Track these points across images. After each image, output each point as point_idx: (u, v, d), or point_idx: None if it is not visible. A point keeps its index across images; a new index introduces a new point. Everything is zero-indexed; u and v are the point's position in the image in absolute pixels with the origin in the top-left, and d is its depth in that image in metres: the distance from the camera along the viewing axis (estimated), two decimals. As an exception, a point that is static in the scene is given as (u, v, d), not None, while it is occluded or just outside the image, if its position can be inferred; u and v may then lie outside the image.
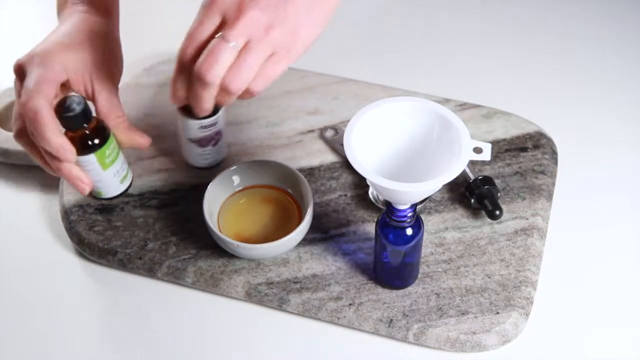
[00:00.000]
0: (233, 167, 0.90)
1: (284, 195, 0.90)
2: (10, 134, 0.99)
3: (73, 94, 0.85)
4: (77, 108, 0.83)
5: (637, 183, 0.96)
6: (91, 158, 0.86)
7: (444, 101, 1.01)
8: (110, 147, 0.87)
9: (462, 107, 1.00)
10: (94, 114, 0.85)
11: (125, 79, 1.06)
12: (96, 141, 0.85)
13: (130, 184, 0.93)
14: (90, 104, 0.85)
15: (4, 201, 0.97)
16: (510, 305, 0.83)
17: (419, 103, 0.78)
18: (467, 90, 1.04)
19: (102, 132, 0.86)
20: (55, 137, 0.79)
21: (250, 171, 0.90)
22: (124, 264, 0.89)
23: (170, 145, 0.97)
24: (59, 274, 0.90)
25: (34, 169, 0.99)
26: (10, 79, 1.07)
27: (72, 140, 0.84)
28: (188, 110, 0.87)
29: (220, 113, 0.89)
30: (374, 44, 1.13)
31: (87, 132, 0.85)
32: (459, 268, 0.86)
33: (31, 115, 0.79)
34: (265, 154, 0.96)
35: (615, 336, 0.84)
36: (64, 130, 0.84)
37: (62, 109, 0.82)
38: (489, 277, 0.85)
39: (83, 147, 0.85)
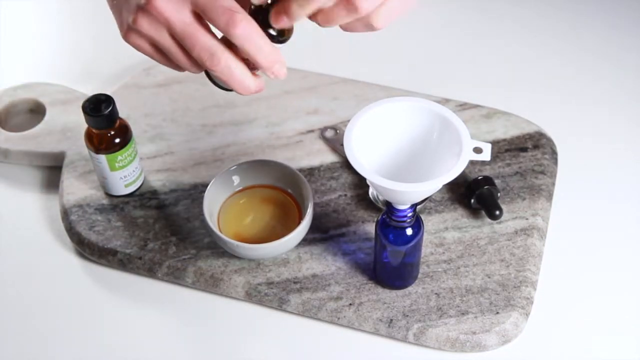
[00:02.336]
0: (233, 167, 0.90)
1: (284, 195, 0.90)
2: (11, 134, 0.99)
3: (101, 93, 0.87)
4: (107, 109, 0.85)
5: (637, 183, 0.96)
6: (102, 158, 0.88)
7: (444, 101, 1.01)
8: (124, 154, 0.88)
9: (462, 107, 1.00)
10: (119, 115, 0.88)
11: (125, 79, 1.07)
12: (117, 141, 0.88)
13: (137, 189, 0.93)
14: (118, 105, 0.85)
15: (4, 201, 0.97)
16: (510, 305, 0.83)
17: (419, 103, 0.78)
18: (467, 90, 1.04)
19: (124, 135, 0.88)
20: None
21: (250, 171, 0.90)
22: (124, 264, 0.89)
23: (170, 146, 0.97)
24: (59, 274, 0.90)
25: (34, 169, 0.99)
26: (10, 79, 1.07)
27: (95, 137, 0.88)
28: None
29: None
30: (374, 44, 1.13)
31: (111, 132, 0.87)
32: (459, 268, 0.86)
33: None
34: (265, 154, 0.96)
35: (615, 336, 0.84)
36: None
37: (91, 108, 0.85)
38: (489, 277, 0.85)
39: (103, 146, 0.87)
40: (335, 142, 0.97)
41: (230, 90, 0.72)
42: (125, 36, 0.71)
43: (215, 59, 0.68)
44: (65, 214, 0.92)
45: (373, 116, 0.77)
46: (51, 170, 0.98)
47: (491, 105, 1.01)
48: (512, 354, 0.82)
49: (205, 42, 0.68)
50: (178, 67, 0.72)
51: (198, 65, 0.70)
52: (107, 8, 0.75)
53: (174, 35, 0.69)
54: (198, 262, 0.87)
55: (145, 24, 0.68)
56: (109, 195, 0.93)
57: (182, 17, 0.68)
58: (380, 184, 0.72)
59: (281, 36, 0.70)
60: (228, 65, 0.69)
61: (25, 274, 0.90)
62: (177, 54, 0.70)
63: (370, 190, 0.92)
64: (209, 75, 0.73)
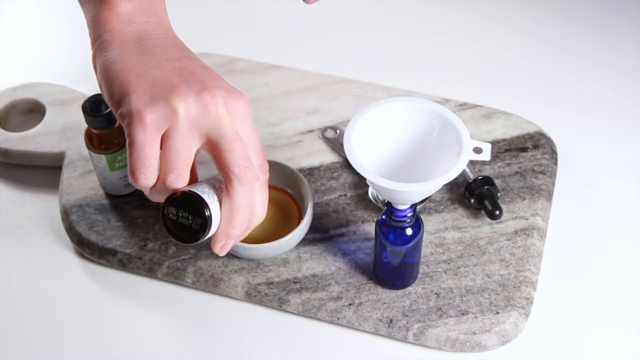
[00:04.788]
0: (233, 167, 0.90)
1: (284, 195, 0.90)
2: (11, 134, 0.99)
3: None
4: (107, 109, 0.85)
5: (637, 183, 0.96)
6: (102, 158, 0.88)
7: (444, 101, 1.01)
8: (124, 154, 0.89)
9: (462, 107, 1.00)
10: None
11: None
12: (117, 141, 0.88)
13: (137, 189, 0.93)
14: None
15: (4, 201, 0.97)
16: (510, 305, 0.83)
17: (419, 103, 0.78)
18: (467, 90, 1.04)
19: (124, 135, 0.87)
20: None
21: (250, 171, 0.90)
22: (124, 264, 0.89)
23: (170, 145, 0.97)
24: (59, 274, 0.90)
25: (34, 169, 0.99)
26: (10, 79, 1.07)
27: (95, 137, 0.87)
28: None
29: None
30: (374, 44, 1.13)
31: (110, 132, 0.87)
32: (458, 268, 0.86)
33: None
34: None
35: (615, 336, 0.84)
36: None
37: (91, 108, 0.85)
38: (489, 277, 0.85)
39: (103, 146, 0.87)
40: (335, 142, 0.97)
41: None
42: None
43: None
44: (65, 214, 0.92)
45: (373, 116, 0.77)
46: (51, 170, 0.98)
47: (491, 105, 1.01)
48: (512, 354, 0.82)
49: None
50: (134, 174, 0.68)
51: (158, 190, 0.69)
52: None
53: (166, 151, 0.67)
54: (198, 262, 0.87)
55: (157, 118, 0.66)
56: (109, 195, 0.93)
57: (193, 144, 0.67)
58: (380, 184, 0.72)
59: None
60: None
61: (26, 273, 0.90)
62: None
63: (370, 190, 0.92)
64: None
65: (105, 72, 0.68)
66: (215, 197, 0.69)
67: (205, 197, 0.68)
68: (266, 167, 0.70)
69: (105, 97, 0.69)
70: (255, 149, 0.69)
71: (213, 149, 0.67)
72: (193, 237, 0.69)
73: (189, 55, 0.71)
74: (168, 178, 0.67)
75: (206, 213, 0.68)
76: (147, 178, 0.67)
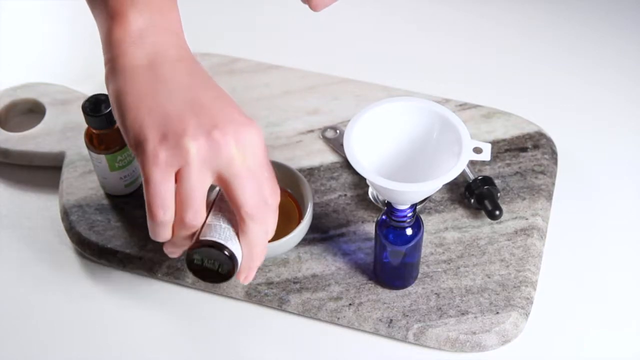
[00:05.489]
0: (233, 167, 0.90)
1: (284, 195, 0.90)
2: (11, 134, 0.99)
3: (101, 93, 0.86)
4: (107, 109, 0.85)
5: (637, 183, 0.96)
6: (102, 158, 0.88)
7: (444, 101, 1.01)
8: (124, 154, 0.89)
9: (462, 107, 1.00)
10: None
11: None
12: (117, 141, 0.88)
13: (137, 189, 0.93)
14: None
15: (4, 201, 0.97)
16: (510, 305, 0.83)
17: (419, 103, 0.78)
18: (467, 90, 1.04)
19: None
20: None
21: (250, 171, 0.90)
22: (124, 264, 0.89)
23: (170, 145, 0.97)
24: (59, 274, 0.90)
25: (34, 169, 0.99)
26: (10, 79, 1.07)
27: (95, 137, 0.87)
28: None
29: None
30: (374, 44, 1.13)
31: (110, 132, 0.87)
32: (458, 268, 0.86)
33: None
34: (265, 154, 0.96)
35: (615, 336, 0.84)
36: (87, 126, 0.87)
37: (91, 108, 0.85)
38: (489, 277, 0.85)
39: (103, 146, 0.87)
40: (335, 142, 0.97)
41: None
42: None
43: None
44: (65, 214, 0.92)
45: (373, 116, 0.77)
46: (51, 170, 0.98)
47: (491, 105, 1.01)
48: (512, 354, 0.82)
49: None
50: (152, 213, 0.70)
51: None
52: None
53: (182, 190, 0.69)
54: (198, 262, 0.87)
55: (170, 156, 0.68)
56: (109, 195, 0.93)
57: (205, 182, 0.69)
58: (380, 184, 0.72)
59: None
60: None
61: (26, 274, 0.90)
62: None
63: (370, 190, 0.92)
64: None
65: (118, 101, 0.70)
66: (232, 231, 0.72)
67: (229, 244, 0.71)
68: (277, 192, 0.72)
69: (118, 123, 0.71)
70: (267, 179, 0.71)
71: (225, 186, 0.69)
72: (221, 278, 0.72)
73: (201, 80, 0.72)
74: (186, 216, 0.69)
75: (232, 261, 0.71)
76: (165, 213, 0.69)
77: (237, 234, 0.72)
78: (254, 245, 0.72)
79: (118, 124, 0.71)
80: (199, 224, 0.70)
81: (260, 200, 0.70)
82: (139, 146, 0.68)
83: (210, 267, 0.72)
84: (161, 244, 0.73)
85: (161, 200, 0.68)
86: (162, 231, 0.71)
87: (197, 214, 0.69)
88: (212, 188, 0.72)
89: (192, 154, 0.67)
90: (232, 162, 0.68)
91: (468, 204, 0.91)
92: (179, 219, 0.69)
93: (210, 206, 0.74)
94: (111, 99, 0.71)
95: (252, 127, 0.70)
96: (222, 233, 0.71)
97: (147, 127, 0.68)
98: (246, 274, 0.74)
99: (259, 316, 0.86)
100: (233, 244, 0.71)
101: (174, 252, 0.74)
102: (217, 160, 0.68)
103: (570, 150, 0.98)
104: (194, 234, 0.72)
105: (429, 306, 0.83)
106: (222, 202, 0.74)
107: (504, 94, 1.05)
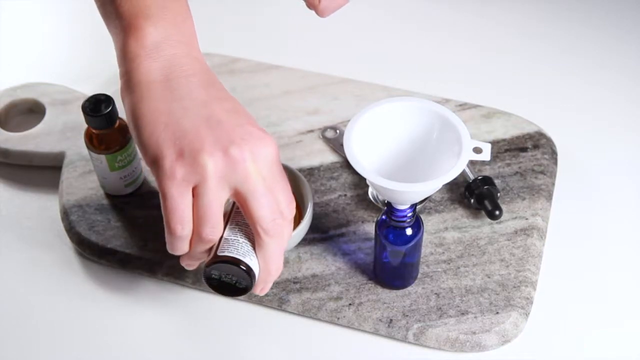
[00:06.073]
0: (233, 167, 0.90)
1: (284, 195, 0.90)
2: (11, 134, 0.99)
3: (101, 93, 0.87)
4: (107, 109, 0.85)
5: (637, 183, 0.96)
6: (102, 158, 0.88)
7: (444, 101, 1.01)
8: (124, 154, 0.88)
9: (462, 107, 1.00)
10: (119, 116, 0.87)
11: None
12: (117, 141, 0.88)
13: (137, 189, 0.93)
14: (118, 105, 0.86)
15: (4, 201, 0.97)
16: (510, 305, 0.83)
17: (419, 103, 0.78)
18: (467, 90, 1.04)
19: (124, 135, 0.88)
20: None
21: (250, 171, 0.90)
22: (124, 264, 0.89)
23: (170, 145, 0.97)
24: (59, 274, 0.90)
25: (34, 169, 0.99)
26: (10, 79, 1.07)
27: (95, 137, 0.87)
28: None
29: None
30: (374, 44, 1.13)
31: (110, 132, 0.87)
32: (458, 268, 0.86)
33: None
34: (265, 154, 0.96)
35: (615, 336, 0.84)
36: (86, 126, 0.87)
37: (91, 108, 0.85)
38: (489, 277, 0.85)
39: (103, 146, 0.87)
40: (335, 142, 0.97)
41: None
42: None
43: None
44: (65, 214, 0.92)
45: (373, 116, 0.77)
46: (51, 170, 0.98)
47: (491, 105, 1.01)
48: (512, 354, 0.82)
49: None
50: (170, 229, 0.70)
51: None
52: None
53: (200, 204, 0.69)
54: (198, 262, 0.87)
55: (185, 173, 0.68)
56: (109, 195, 0.93)
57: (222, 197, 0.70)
58: (380, 184, 0.72)
59: None
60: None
61: (26, 274, 0.90)
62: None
63: (370, 190, 0.92)
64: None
65: (134, 117, 0.71)
66: (249, 245, 0.72)
67: (246, 259, 0.71)
68: (293, 203, 0.72)
69: (134, 138, 0.72)
70: (283, 192, 0.71)
71: (241, 201, 0.70)
72: (239, 292, 0.73)
73: (216, 93, 0.72)
74: (204, 231, 0.70)
75: (250, 275, 0.72)
76: (183, 228, 0.69)
77: (254, 248, 0.72)
78: (271, 259, 0.72)
79: (134, 139, 0.72)
80: (216, 238, 0.71)
81: (276, 215, 0.70)
82: (156, 162, 0.69)
83: (228, 281, 0.72)
84: (163, 245, 0.73)
85: (179, 216, 0.69)
86: (181, 245, 0.71)
87: (214, 229, 0.70)
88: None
89: (209, 170, 0.68)
90: (248, 178, 0.69)
91: (468, 204, 0.91)
92: (197, 234, 0.70)
93: (227, 218, 0.74)
94: (127, 114, 0.72)
95: (268, 140, 0.71)
96: (239, 248, 0.72)
97: (164, 144, 0.69)
98: (262, 287, 0.75)
99: (259, 316, 0.86)
100: (250, 259, 0.72)
101: (191, 265, 0.75)
102: (234, 176, 0.68)
103: (570, 150, 0.98)
104: (211, 247, 0.72)
105: (429, 306, 0.83)
106: (239, 215, 0.74)
107: (504, 94, 1.05)
